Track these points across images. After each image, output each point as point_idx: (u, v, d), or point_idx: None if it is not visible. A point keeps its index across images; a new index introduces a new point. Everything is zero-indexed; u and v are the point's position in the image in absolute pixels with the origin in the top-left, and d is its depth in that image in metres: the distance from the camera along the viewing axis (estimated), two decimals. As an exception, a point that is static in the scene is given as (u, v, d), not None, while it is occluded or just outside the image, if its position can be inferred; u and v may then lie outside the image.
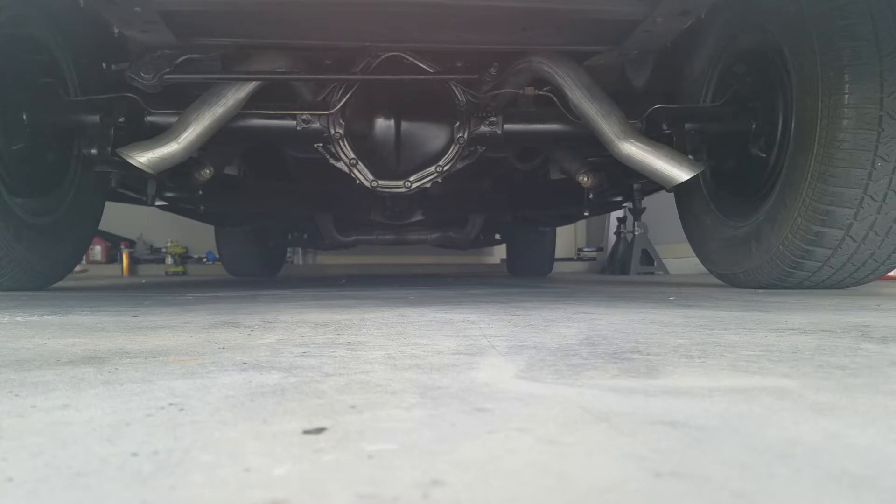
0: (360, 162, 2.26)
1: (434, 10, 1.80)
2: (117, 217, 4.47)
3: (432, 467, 0.37)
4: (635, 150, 2.01)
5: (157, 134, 2.04)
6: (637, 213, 2.61)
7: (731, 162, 2.33)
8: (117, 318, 1.27)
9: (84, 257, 3.30)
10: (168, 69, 1.97)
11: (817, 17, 1.84)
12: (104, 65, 2.21)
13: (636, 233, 5.92)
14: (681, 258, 5.57)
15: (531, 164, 3.00)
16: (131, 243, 6.74)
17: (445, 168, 2.28)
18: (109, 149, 2.03)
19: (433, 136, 2.30)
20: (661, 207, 4.17)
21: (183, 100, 2.14)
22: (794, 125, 1.99)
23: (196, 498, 0.32)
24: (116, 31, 1.87)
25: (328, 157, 2.29)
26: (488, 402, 0.53)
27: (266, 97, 2.13)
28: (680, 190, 2.24)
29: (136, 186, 2.49)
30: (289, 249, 6.44)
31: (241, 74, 2.02)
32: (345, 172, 2.29)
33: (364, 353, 0.79)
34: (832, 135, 1.82)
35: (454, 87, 2.18)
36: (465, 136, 2.22)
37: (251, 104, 2.07)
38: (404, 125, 2.28)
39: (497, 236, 4.81)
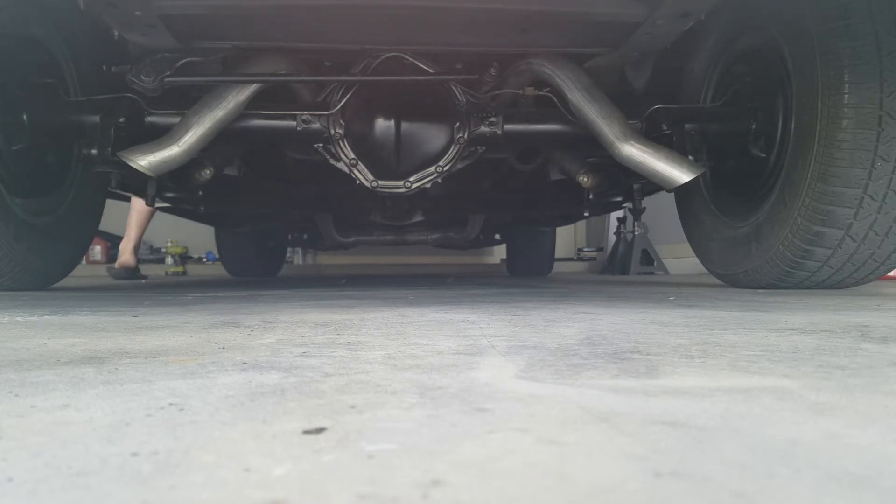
0: (360, 162, 2.26)
1: (434, 13, 1.80)
2: (117, 217, 4.47)
3: (432, 467, 0.37)
4: (636, 152, 2.01)
5: (157, 134, 2.04)
6: (637, 213, 2.61)
7: (731, 162, 2.33)
8: (117, 318, 1.27)
9: (84, 257, 3.31)
10: (168, 72, 1.97)
11: (817, 17, 1.84)
12: (105, 67, 2.21)
13: (636, 233, 5.92)
14: (681, 258, 5.57)
15: (531, 165, 3.00)
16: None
17: (445, 168, 2.28)
18: (110, 149, 2.03)
19: (433, 136, 2.30)
20: (661, 207, 4.17)
21: (183, 100, 2.14)
22: (794, 125, 1.99)
23: (196, 498, 0.32)
24: (117, 34, 1.87)
25: (328, 157, 2.29)
26: (488, 402, 0.53)
27: (266, 98, 2.13)
28: (680, 190, 2.24)
29: (136, 187, 2.49)
30: (289, 250, 6.45)
31: (242, 77, 2.02)
32: (345, 173, 2.29)
33: (364, 353, 0.79)
34: (832, 135, 1.82)
35: (454, 88, 2.17)
36: (465, 136, 2.22)
37: (251, 105, 2.07)
38: (404, 125, 2.28)
39: (497, 236, 4.81)
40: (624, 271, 5.91)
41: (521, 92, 2.15)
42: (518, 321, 1.17)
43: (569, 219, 4.13)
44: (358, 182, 2.29)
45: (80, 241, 2.51)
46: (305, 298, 1.92)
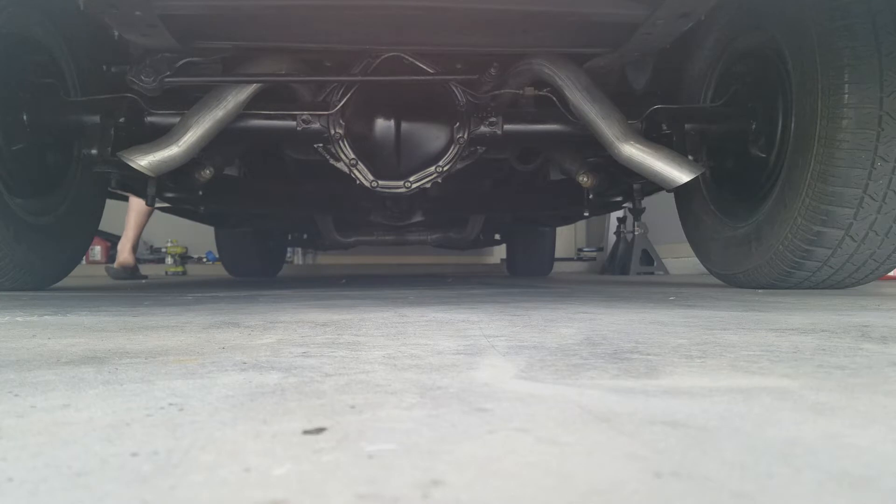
0: (359, 162, 2.25)
1: (434, 13, 1.80)
2: (117, 217, 4.48)
3: (432, 467, 0.37)
4: (635, 152, 2.01)
5: (157, 134, 2.04)
6: (637, 213, 2.61)
7: (731, 162, 2.33)
8: (117, 318, 1.27)
9: (84, 257, 3.31)
10: (169, 72, 1.97)
11: (817, 16, 1.84)
12: (105, 67, 2.21)
13: (636, 233, 5.92)
14: (681, 258, 5.57)
15: (531, 165, 3.00)
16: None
17: (445, 168, 2.28)
18: (109, 149, 2.03)
19: (433, 136, 2.30)
20: (661, 207, 4.17)
21: (183, 100, 2.14)
22: (794, 125, 1.99)
23: (196, 498, 0.32)
24: (117, 34, 1.87)
25: (328, 157, 2.29)
26: (488, 402, 0.53)
27: (266, 98, 2.13)
28: (680, 190, 2.24)
29: (135, 187, 2.49)
30: (289, 250, 6.45)
31: (242, 77, 2.02)
32: (345, 173, 2.29)
33: (364, 353, 0.79)
34: (832, 135, 1.82)
35: (454, 88, 2.17)
36: (465, 136, 2.22)
37: (251, 105, 2.07)
38: (404, 125, 2.28)
39: (497, 236, 4.81)
40: (624, 271, 5.91)
41: (521, 92, 2.15)
42: (518, 321, 1.17)
43: (569, 219, 4.13)
44: (358, 182, 2.29)
45: (80, 241, 2.51)
46: (305, 298, 1.92)
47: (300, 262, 7.26)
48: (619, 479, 0.35)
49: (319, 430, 0.44)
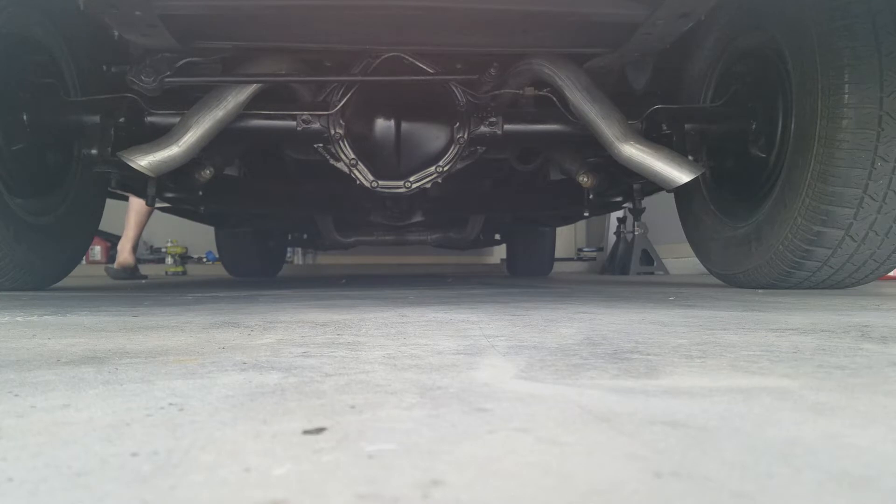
0: (359, 162, 2.26)
1: (435, 14, 1.80)
2: (117, 217, 4.48)
3: (432, 467, 0.37)
4: (635, 153, 2.01)
5: (157, 134, 2.04)
6: (637, 213, 2.61)
7: (731, 162, 2.33)
8: (117, 318, 1.27)
9: (84, 257, 3.32)
10: (169, 72, 1.97)
11: (817, 16, 1.84)
12: (105, 67, 2.21)
13: (636, 233, 5.92)
14: (681, 258, 5.57)
15: (531, 165, 3.00)
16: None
17: (445, 168, 2.28)
18: (109, 149, 2.03)
19: (433, 136, 2.30)
20: (661, 207, 4.17)
21: (183, 100, 2.14)
22: (794, 125, 1.99)
23: (196, 498, 0.32)
24: (117, 34, 1.87)
25: (328, 157, 2.29)
26: (488, 402, 0.53)
27: (266, 98, 2.13)
28: (680, 190, 2.24)
29: (135, 187, 2.49)
30: (289, 250, 6.45)
31: (242, 77, 2.02)
32: (345, 173, 2.29)
33: (364, 354, 0.79)
34: (832, 135, 1.82)
35: (454, 88, 2.17)
36: (465, 136, 2.22)
37: (251, 105, 2.07)
38: (404, 125, 2.28)
39: (497, 236, 4.82)
40: (624, 271, 5.91)
41: (521, 92, 2.15)
42: (518, 321, 1.17)
43: (569, 219, 4.13)
44: (358, 182, 2.29)
45: (80, 241, 2.51)
46: (305, 298, 1.92)
47: (300, 262, 7.26)
48: (619, 479, 0.35)
49: (319, 430, 0.44)
